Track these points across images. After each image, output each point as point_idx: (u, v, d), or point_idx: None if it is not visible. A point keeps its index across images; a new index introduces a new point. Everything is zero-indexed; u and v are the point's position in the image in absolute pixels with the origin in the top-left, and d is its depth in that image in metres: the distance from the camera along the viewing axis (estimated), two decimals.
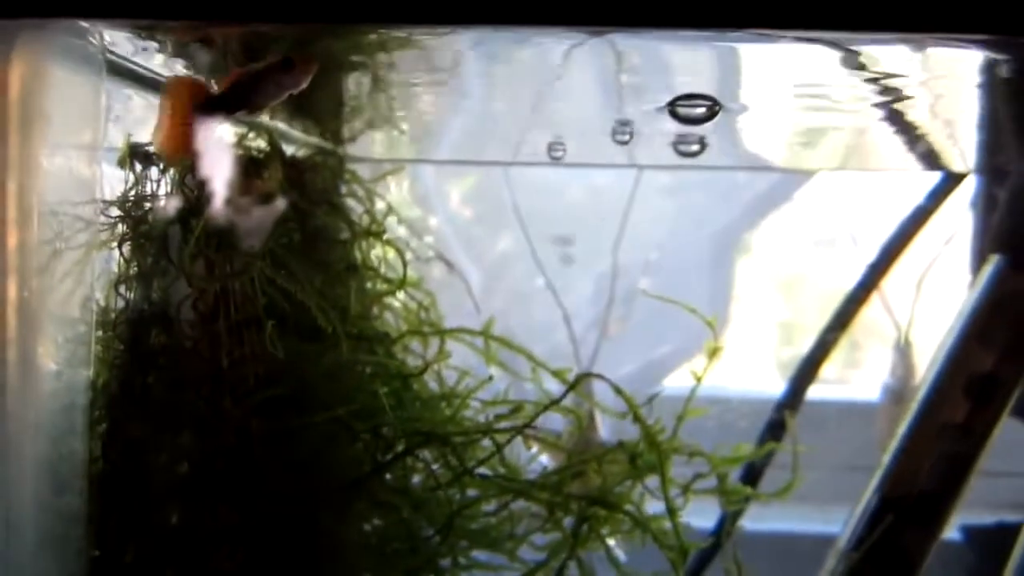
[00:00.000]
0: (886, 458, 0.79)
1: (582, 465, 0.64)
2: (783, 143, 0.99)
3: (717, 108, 0.71)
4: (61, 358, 0.39)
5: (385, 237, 0.77)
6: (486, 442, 0.64)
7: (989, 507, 0.95)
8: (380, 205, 0.82)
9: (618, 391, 0.62)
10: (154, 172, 0.54)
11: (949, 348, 0.79)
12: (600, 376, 0.62)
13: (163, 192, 0.54)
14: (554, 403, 0.63)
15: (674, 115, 0.72)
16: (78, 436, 0.40)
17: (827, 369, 1.40)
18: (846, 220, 1.26)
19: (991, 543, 0.88)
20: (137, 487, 0.52)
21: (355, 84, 0.76)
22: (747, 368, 1.38)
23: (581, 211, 1.43)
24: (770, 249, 1.38)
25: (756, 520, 0.95)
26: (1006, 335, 0.77)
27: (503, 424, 0.63)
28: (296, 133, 0.81)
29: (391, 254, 0.78)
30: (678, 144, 0.91)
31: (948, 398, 0.77)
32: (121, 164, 0.52)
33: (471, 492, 0.65)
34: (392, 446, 0.60)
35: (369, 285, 0.76)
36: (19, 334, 0.35)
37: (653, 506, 0.69)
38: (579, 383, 0.62)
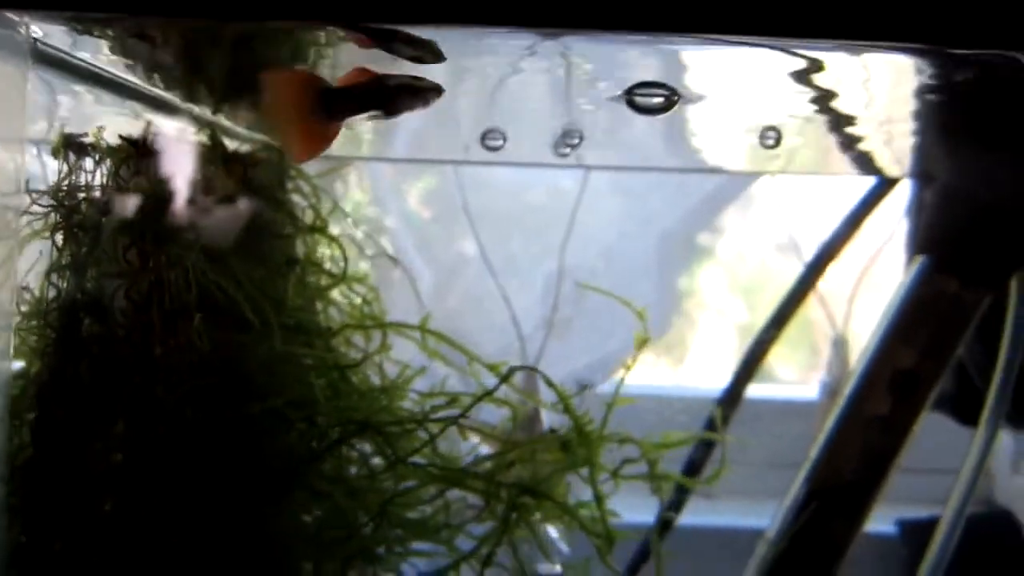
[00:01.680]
0: (814, 451, 0.82)
1: (514, 454, 0.66)
2: (727, 146, 1.01)
3: (675, 98, 0.72)
4: None
5: (329, 233, 0.78)
6: (425, 434, 0.65)
7: (925, 503, 0.98)
8: (327, 203, 0.83)
9: (548, 383, 0.64)
10: (88, 163, 0.54)
11: (875, 345, 0.82)
12: (532, 369, 0.64)
13: (97, 183, 0.55)
14: (487, 394, 0.64)
15: (631, 105, 0.74)
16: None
17: (786, 370, 1.43)
18: (790, 221, 1.29)
19: (924, 537, 0.91)
20: (67, 475, 0.53)
21: None
22: (702, 367, 1.41)
23: (539, 212, 1.45)
24: (723, 250, 1.41)
25: (695, 515, 0.98)
26: (928, 334, 0.80)
27: (439, 415, 0.64)
28: (240, 129, 0.82)
29: (337, 251, 0.80)
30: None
31: (872, 393, 0.79)
32: (55, 154, 0.53)
33: (411, 483, 0.66)
34: (327, 436, 0.61)
35: (313, 280, 0.77)
36: None
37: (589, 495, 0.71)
38: (510, 375, 0.64)
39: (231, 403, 0.57)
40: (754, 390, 1.09)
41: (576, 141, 0.80)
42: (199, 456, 0.56)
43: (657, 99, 0.72)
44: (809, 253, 1.11)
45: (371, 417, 0.61)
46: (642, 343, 0.67)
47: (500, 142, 0.79)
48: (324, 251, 0.81)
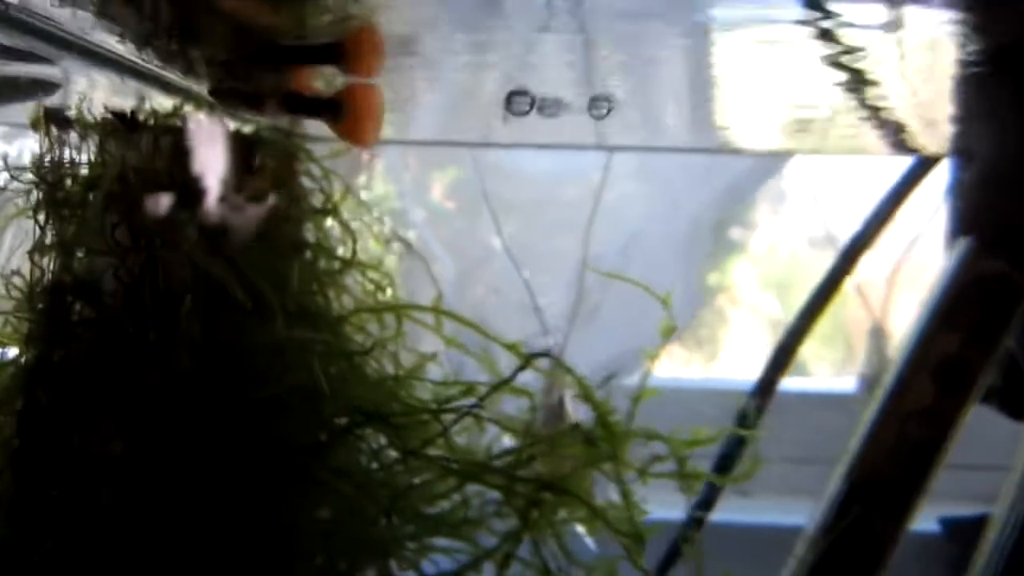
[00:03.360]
0: (853, 444, 0.77)
1: (535, 448, 0.62)
2: (757, 125, 0.97)
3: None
4: None
5: (338, 216, 0.75)
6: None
7: (971, 500, 0.93)
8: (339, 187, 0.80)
9: (568, 371, 0.60)
10: (72, 137, 0.51)
11: (916, 333, 0.77)
12: (551, 355, 0.60)
13: (83, 158, 0.52)
14: (505, 382, 0.61)
15: None
16: None
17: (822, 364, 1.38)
18: (823, 208, 1.24)
19: (972, 536, 0.86)
20: (56, 466, 0.50)
21: None
22: (734, 362, 1.37)
23: (566, 202, 1.41)
24: (754, 244, 1.37)
25: (728, 512, 0.94)
26: (973, 318, 0.75)
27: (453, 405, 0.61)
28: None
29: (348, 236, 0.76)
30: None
31: (915, 383, 0.75)
32: (34, 127, 0.50)
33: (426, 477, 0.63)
34: (333, 426, 0.58)
35: (324, 265, 0.74)
36: None
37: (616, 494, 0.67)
38: (530, 361, 0.60)
39: (231, 391, 0.54)
40: (788, 383, 1.04)
41: (604, 111, 0.76)
42: (198, 447, 0.53)
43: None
44: (844, 239, 1.06)
45: (381, 407, 0.58)
46: (669, 332, 0.63)
47: (526, 107, 0.74)
48: (337, 237, 0.78)
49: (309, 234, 0.75)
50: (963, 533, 1.01)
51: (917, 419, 0.74)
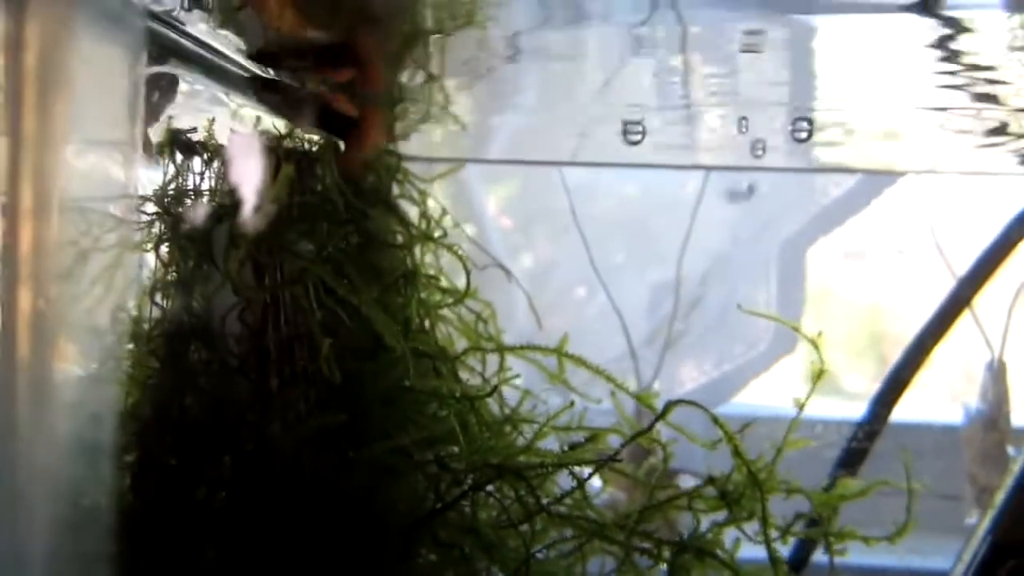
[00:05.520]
0: (999, 498, 0.70)
1: (661, 501, 0.56)
2: (862, 140, 0.91)
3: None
4: (84, 383, 0.32)
5: (445, 242, 0.70)
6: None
7: None
8: (433, 206, 0.75)
9: (715, 421, 0.54)
10: (197, 164, 0.47)
11: None
12: (694, 403, 0.55)
13: (207, 187, 0.47)
14: (641, 433, 0.55)
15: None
16: (102, 484, 0.33)
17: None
18: (926, 227, 1.17)
19: None
20: (171, 525, 0.45)
21: (407, 76, 0.70)
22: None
23: (642, 220, 1.35)
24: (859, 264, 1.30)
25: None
26: None
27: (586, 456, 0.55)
28: None
29: (443, 262, 0.71)
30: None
31: None
32: (160, 153, 0.46)
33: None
34: (459, 479, 0.52)
35: (425, 295, 0.69)
36: (33, 354, 0.28)
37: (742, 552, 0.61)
38: (669, 411, 0.55)
39: (351, 442, 0.49)
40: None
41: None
42: (317, 503, 0.48)
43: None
44: (958, 267, 0.99)
45: (508, 458, 0.52)
46: (819, 374, 0.57)
47: (639, 137, 0.70)
48: (430, 263, 0.73)
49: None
50: None
51: None
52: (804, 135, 0.72)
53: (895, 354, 1.06)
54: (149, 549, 0.45)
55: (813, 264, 1.25)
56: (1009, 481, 0.70)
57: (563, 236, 1.35)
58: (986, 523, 0.70)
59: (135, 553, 0.44)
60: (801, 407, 0.58)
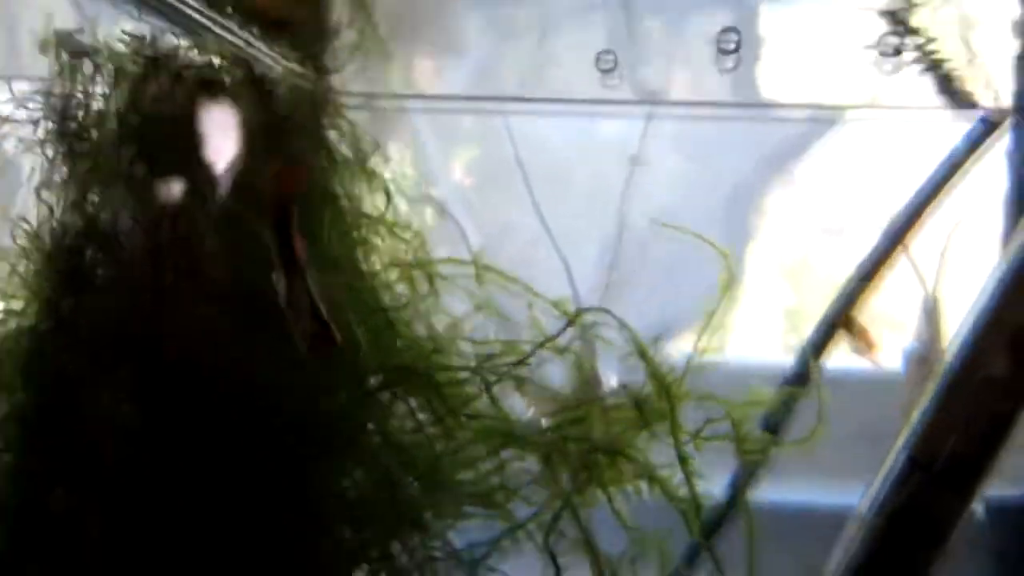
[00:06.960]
0: (915, 416, 0.72)
1: (584, 410, 0.57)
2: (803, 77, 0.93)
3: None
4: None
5: (368, 168, 0.70)
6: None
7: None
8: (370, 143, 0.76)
9: (623, 325, 0.55)
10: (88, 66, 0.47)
11: (988, 301, 0.72)
12: (604, 310, 0.56)
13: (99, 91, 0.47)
14: (549, 339, 0.56)
15: None
16: None
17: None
18: (866, 171, 1.19)
19: (1016, 520, 0.81)
20: (68, 425, 0.45)
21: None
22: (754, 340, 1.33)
23: (586, 168, 1.36)
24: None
25: (770, 492, 0.89)
26: None
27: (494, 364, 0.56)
28: (276, 58, 0.74)
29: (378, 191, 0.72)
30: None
31: (989, 353, 0.70)
32: (42, 51, 0.45)
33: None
34: (368, 385, 0.53)
35: (351, 221, 0.69)
36: None
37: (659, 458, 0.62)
38: (578, 317, 0.56)
39: (258, 343, 0.49)
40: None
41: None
42: (222, 402, 0.48)
43: None
44: (892, 208, 1.01)
45: (418, 365, 0.53)
46: (726, 287, 0.58)
47: (611, 65, 0.70)
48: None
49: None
50: (1007, 516, 0.96)
51: (991, 391, 0.69)
52: (732, 46, 0.72)
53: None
54: (43, 450, 0.45)
55: (791, 239, 1.27)
56: (925, 400, 0.72)
57: (522, 194, 1.35)
58: (901, 440, 0.72)
59: (29, 453, 0.44)
60: (707, 320, 0.59)
